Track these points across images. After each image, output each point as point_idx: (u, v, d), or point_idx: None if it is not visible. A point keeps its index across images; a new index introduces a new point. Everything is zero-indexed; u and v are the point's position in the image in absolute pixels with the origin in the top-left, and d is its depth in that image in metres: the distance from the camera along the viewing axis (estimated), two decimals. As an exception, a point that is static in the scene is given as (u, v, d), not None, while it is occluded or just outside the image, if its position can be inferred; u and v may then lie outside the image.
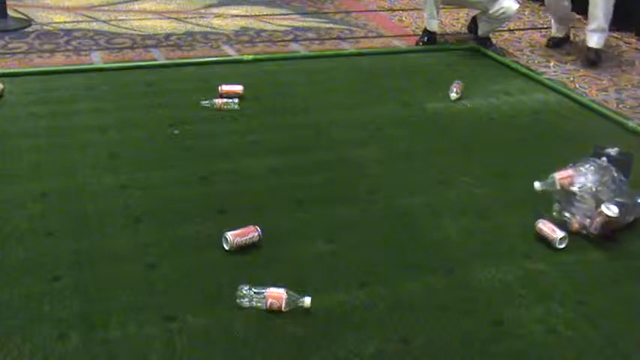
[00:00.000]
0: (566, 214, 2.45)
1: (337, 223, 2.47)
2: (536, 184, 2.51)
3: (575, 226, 2.41)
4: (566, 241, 2.34)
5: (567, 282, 2.20)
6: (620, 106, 3.71)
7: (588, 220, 2.39)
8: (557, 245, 2.33)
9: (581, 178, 2.45)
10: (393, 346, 1.91)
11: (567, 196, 2.45)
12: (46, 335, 1.87)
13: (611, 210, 2.31)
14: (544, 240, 2.37)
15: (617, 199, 2.36)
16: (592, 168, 2.47)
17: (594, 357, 1.92)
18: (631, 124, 3.41)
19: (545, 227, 2.38)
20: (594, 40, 4.15)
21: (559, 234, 2.34)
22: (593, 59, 4.14)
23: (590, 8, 4.08)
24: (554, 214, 2.48)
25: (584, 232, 2.40)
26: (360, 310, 2.03)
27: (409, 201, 2.64)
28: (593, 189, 2.40)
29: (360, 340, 1.91)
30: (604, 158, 2.50)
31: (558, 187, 2.45)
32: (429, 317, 2.02)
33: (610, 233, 2.38)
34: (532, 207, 2.61)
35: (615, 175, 2.45)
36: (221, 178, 2.74)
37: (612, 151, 2.55)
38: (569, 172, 2.48)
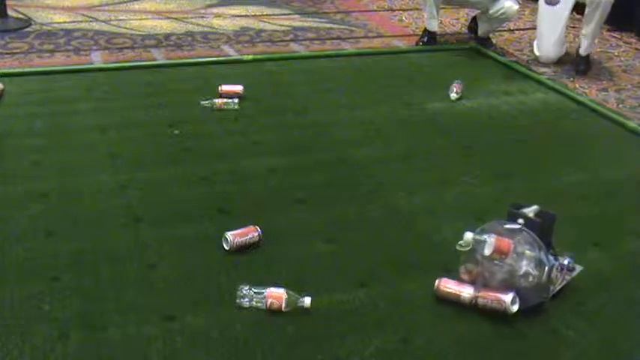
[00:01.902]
0: (469, 265, 2.08)
1: (337, 223, 2.47)
2: (468, 236, 2.04)
3: (468, 277, 2.08)
4: (517, 301, 2.00)
5: (567, 282, 2.20)
6: (620, 106, 3.71)
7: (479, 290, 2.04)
8: (510, 310, 1.99)
9: (518, 249, 2.02)
10: (393, 346, 1.91)
11: (485, 260, 2.05)
12: (46, 335, 1.86)
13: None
14: (487, 311, 2.02)
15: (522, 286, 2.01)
16: (526, 240, 2.05)
17: (594, 357, 1.92)
18: (631, 124, 3.42)
19: (488, 295, 2.01)
20: (584, 46, 4.08)
21: (508, 297, 1.99)
22: (582, 70, 4.09)
23: (587, 11, 3.99)
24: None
25: (473, 292, 2.04)
26: (360, 310, 2.03)
27: (409, 201, 2.64)
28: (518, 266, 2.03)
29: (360, 340, 1.91)
30: (520, 220, 2.08)
31: (488, 253, 2.00)
32: (429, 317, 2.02)
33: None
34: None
35: (529, 246, 2.03)
36: (221, 178, 2.73)
37: (530, 210, 2.12)
38: (507, 241, 2.00)
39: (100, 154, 2.86)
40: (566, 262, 2.10)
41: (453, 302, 2.05)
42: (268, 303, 1.98)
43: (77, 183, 2.63)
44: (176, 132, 3.09)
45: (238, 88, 3.47)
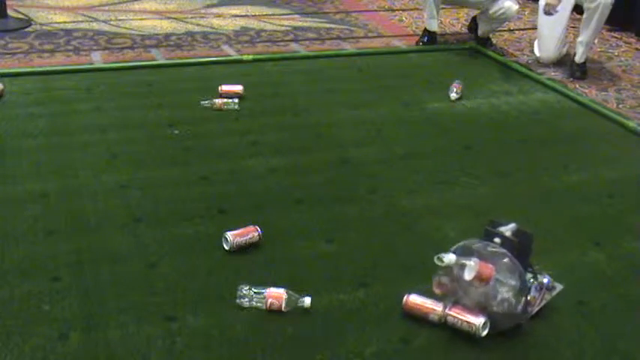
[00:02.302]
0: (444, 278, 1.98)
1: (337, 223, 2.47)
2: (452, 257, 1.90)
3: (440, 290, 1.99)
4: (488, 325, 1.92)
5: (567, 282, 2.20)
6: (620, 106, 3.71)
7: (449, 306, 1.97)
8: (479, 334, 1.91)
9: (498, 276, 1.92)
10: (393, 346, 1.91)
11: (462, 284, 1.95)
12: (46, 335, 1.87)
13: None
14: (457, 329, 1.95)
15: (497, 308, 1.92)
16: (508, 267, 1.94)
17: (594, 357, 1.92)
18: (631, 124, 3.41)
19: (458, 315, 1.93)
20: (579, 54, 4.04)
21: (479, 321, 1.91)
22: (579, 76, 4.05)
23: (585, 17, 3.96)
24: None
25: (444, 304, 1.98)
26: (360, 310, 2.03)
27: (409, 201, 2.64)
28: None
29: (360, 340, 1.91)
30: (496, 239, 1.99)
31: (468, 278, 1.89)
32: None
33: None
34: (532, 207, 2.61)
35: (510, 274, 1.93)
36: (221, 178, 2.74)
37: (507, 229, 2.02)
38: (490, 268, 1.90)
39: (100, 154, 2.86)
40: (545, 280, 2.03)
41: (421, 319, 1.97)
42: (268, 303, 1.99)
43: (77, 183, 2.63)
44: (176, 132, 3.09)
45: (238, 88, 3.47)
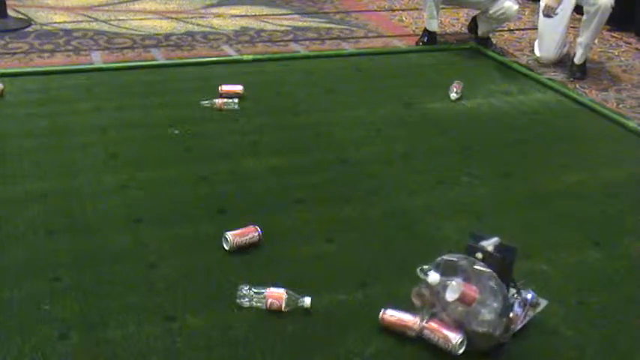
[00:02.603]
0: (424, 290, 1.93)
1: (337, 223, 2.47)
2: (435, 277, 1.86)
3: (419, 301, 1.94)
4: (465, 343, 1.87)
5: (567, 282, 2.20)
6: (620, 106, 3.71)
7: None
8: (456, 351, 1.86)
9: (482, 297, 1.85)
10: (392, 346, 1.91)
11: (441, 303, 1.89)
12: (46, 335, 1.87)
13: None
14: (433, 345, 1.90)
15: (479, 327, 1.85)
16: (492, 290, 1.85)
17: (594, 357, 1.92)
18: (631, 124, 3.42)
19: (435, 330, 1.89)
20: (578, 55, 4.05)
21: (456, 338, 1.86)
22: (578, 77, 4.05)
23: (584, 19, 3.96)
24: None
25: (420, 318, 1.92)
26: (360, 310, 2.03)
27: (409, 201, 2.64)
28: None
29: (360, 340, 1.91)
30: (479, 254, 1.90)
31: (450, 300, 1.84)
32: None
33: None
34: (532, 207, 2.61)
35: (493, 297, 1.84)
36: (221, 178, 2.74)
37: (489, 244, 1.92)
38: (474, 291, 1.84)
39: (100, 154, 2.86)
40: (529, 296, 1.96)
41: (398, 334, 1.93)
42: (268, 303, 1.99)
43: (77, 183, 2.63)
44: (176, 132, 3.09)
45: (238, 88, 3.47)
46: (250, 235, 2.26)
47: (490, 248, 1.91)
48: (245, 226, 2.29)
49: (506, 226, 2.50)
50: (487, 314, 1.84)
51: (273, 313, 1.98)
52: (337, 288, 2.12)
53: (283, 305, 1.98)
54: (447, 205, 2.62)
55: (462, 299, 1.82)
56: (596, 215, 2.63)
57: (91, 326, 1.91)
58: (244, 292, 2.01)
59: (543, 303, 2.01)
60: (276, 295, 1.99)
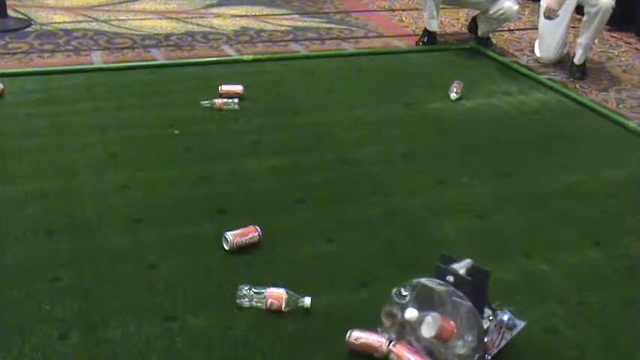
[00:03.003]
0: (395, 310, 1.86)
1: (337, 223, 2.47)
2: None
3: (389, 321, 1.87)
4: None
5: (567, 282, 2.20)
6: (620, 106, 3.71)
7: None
8: None
9: (458, 332, 1.76)
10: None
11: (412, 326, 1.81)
12: (46, 335, 1.87)
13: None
14: None
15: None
16: (469, 324, 1.76)
17: (594, 357, 1.92)
18: (631, 124, 3.42)
19: (402, 355, 1.79)
20: (578, 56, 4.05)
21: None
22: (578, 77, 4.05)
23: (585, 20, 3.95)
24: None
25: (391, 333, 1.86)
26: (360, 310, 2.03)
27: (409, 201, 2.64)
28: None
29: (360, 340, 1.91)
30: (449, 277, 1.81)
31: (426, 336, 1.75)
32: (429, 317, 2.02)
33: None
34: (532, 207, 2.61)
35: (469, 333, 1.75)
36: (221, 178, 2.73)
37: (461, 266, 1.84)
38: (451, 326, 1.75)
39: (100, 154, 2.86)
40: (505, 317, 1.84)
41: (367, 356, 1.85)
42: (268, 303, 1.99)
43: (77, 183, 2.63)
44: (176, 132, 3.09)
45: (238, 88, 3.47)
46: (250, 235, 2.26)
47: (462, 271, 1.82)
48: (245, 226, 2.29)
49: (506, 226, 2.50)
50: (461, 348, 1.75)
51: (273, 313, 1.98)
52: (337, 288, 2.12)
53: (283, 305, 1.98)
54: (447, 205, 2.62)
55: (438, 336, 1.73)
56: (596, 215, 2.63)
57: (91, 326, 1.91)
58: (244, 292, 2.01)
59: (520, 325, 1.89)
60: (276, 295, 1.99)
